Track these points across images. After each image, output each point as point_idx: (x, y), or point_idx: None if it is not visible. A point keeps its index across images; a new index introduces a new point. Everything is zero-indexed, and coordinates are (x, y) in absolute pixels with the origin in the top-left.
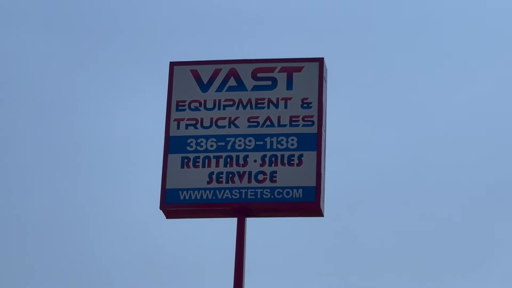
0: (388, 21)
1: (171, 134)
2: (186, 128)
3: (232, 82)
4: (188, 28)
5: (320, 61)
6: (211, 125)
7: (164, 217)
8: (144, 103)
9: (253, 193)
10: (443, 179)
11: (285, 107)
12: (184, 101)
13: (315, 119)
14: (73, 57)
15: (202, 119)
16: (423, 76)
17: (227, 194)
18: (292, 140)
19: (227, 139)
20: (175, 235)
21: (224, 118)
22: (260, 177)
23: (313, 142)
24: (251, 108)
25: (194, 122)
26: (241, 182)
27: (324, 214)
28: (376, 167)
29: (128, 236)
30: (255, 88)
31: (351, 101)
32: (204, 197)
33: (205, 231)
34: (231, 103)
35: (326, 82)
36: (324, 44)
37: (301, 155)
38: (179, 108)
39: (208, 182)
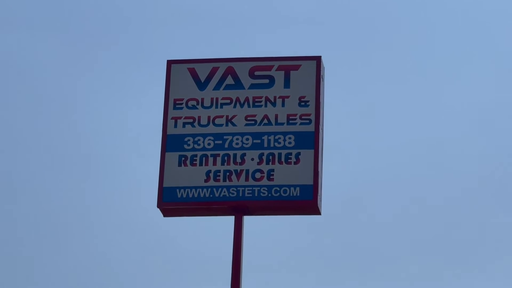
0: (387, 19)
1: (169, 132)
2: (184, 126)
3: (229, 80)
4: (185, 27)
5: (317, 59)
6: (208, 124)
7: (162, 215)
8: (141, 101)
9: (250, 191)
10: (441, 178)
11: (283, 105)
12: (182, 99)
13: (312, 117)
14: (71, 56)
15: (199, 117)
16: (421, 74)
17: (224, 192)
18: (290, 138)
19: (225, 137)
20: (172, 234)
21: (221, 117)
22: (258, 175)
23: (311, 141)
24: (249, 106)
25: (191, 120)
26: (238, 180)
27: (322, 212)
28: (373, 165)
29: (125, 234)
30: (253, 86)
31: (348, 99)
32: (202, 195)
33: (202, 229)
34: (228, 101)
35: (323, 80)
36: (322, 43)
37: (298, 154)
38: (177, 106)
39: (206, 180)
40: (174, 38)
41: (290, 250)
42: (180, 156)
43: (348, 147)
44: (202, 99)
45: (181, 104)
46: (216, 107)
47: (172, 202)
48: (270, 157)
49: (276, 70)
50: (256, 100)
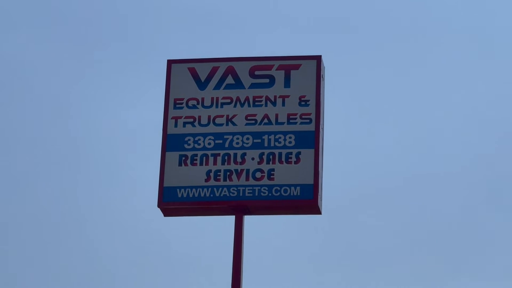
0: (387, 19)
1: (169, 132)
2: (184, 126)
3: (229, 80)
4: (186, 26)
5: (317, 58)
6: (208, 123)
7: (162, 215)
8: (142, 101)
9: (251, 191)
10: (442, 178)
11: (283, 104)
12: (182, 99)
13: (312, 116)
14: (71, 56)
15: (199, 117)
16: (422, 74)
17: (225, 192)
18: (290, 138)
19: (225, 137)
20: (173, 233)
21: (221, 116)
22: (258, 175)
23: (311, 140)
24: (249, 106)
25: (191, 120)
26: (238, 180)
27: (322, 212)
28: (374, 164)
29: (125, 234)
30: (253, 86)
31: (348, 98)
32: (202, 195)
33: (203, 229)
34: (228, 101)
35: (323, 79)
36: (322, 42)
37: (298, 153)
38: (177, 106)
39: (206, 180)
40: (175, 37)
41: (290, 249)
42: (181, 156)
43: (348, 146)
44: (203, 99)
45: (182, 103)
46: (217, 106)
47: (173, 202)
48: (271, 157)
49: (276, 69)
50: (257, 99)
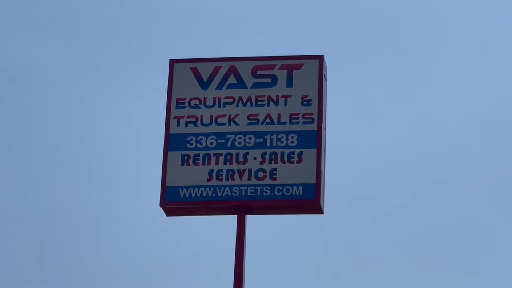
0: (389, 18)
1: (171, 131)
2: (186, 125)
3: (232, 79)
4: (188, 26)
5: (320, 58)
6: (211, 123)
7: (164, 214)
8: (144, 100)
9: (253, 191)
10: (443, 177)
11: (285, 104)
12: (184, 99)
13: (315, 116)
14: (71, 56)
15: (202, 117)
16: (424, 74)
17: (227, 191)
18: (292, 137)
19: (227, 136)
20: (175, 233)
21: (224, 116)
22: (260, 174)
23: (313, 140)
24: (251, 105)
25: (194, 119)
26: (241, 180)
27: (324, 212)
28: (376, 164)
29: (128, 233)
30: (255, 85)
31: (351, 98)
32: (204, 194)
33: (205, 228)
34: (231, 100)
35: (326, 79)
36: (324, 42)
37: (301, 153)
38: (179, 105)
39: (208, 180)
40: (177, 37)
41: (293, 249)
42: (183, 155)
43: (350, 146)
44: (205, 98)
45: (184, 103)
46: (219, 106)
47: (175, 202)
48: (273, 156)
49: (278, 69)
50: (259, 99)
